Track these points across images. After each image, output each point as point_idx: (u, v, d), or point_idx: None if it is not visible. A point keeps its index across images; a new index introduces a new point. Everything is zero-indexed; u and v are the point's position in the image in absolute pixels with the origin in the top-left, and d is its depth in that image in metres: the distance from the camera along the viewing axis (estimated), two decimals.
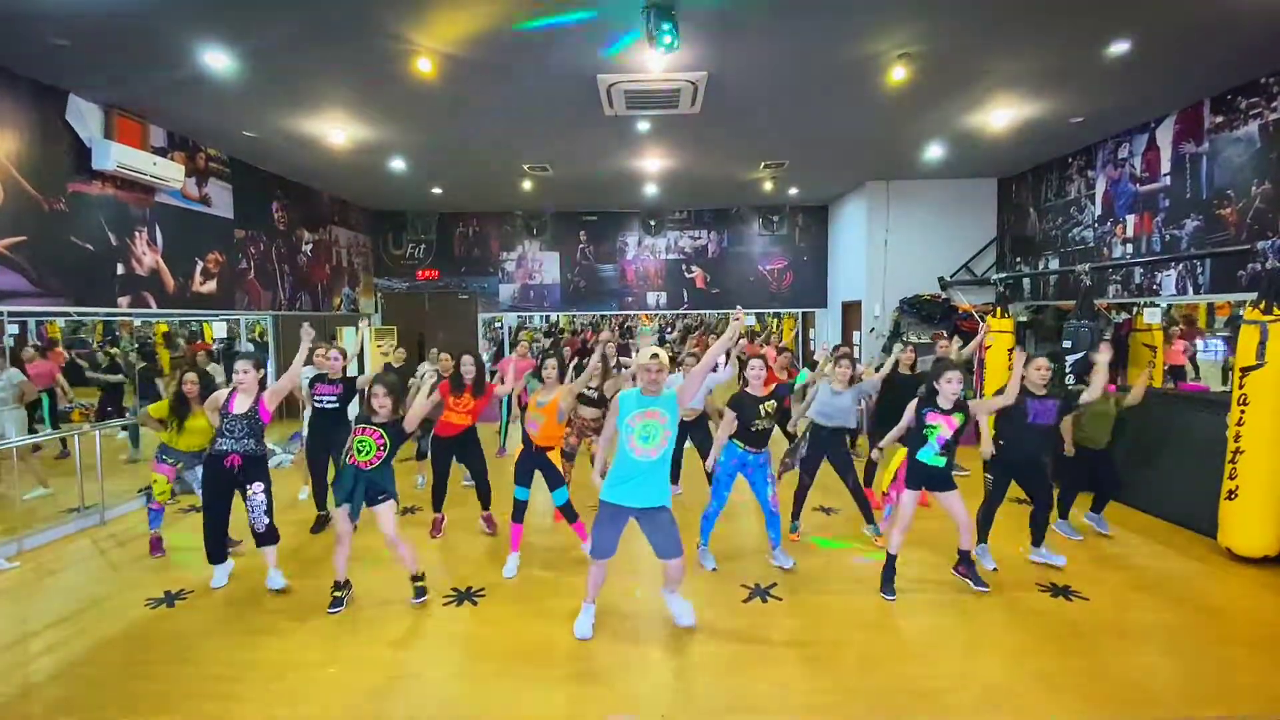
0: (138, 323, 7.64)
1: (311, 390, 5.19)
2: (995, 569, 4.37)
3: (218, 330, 8.16)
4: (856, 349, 10.05)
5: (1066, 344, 6.35)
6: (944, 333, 8.91)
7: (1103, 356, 4.23)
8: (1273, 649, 3.41)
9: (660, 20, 3.97)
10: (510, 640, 3.56)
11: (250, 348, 8.66)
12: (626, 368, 5.41)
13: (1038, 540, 4.49)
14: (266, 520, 4.05)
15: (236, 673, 3.24)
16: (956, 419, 3.86)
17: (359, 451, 3.72)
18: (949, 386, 3.84)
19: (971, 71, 5.35)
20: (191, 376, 4.65)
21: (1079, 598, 3.97)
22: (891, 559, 4.04)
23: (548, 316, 14.55)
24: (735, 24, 4.44)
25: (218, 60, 4.83)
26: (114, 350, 7.37)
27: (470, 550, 4.86)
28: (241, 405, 3.99)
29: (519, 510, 4.40)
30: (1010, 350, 7.23)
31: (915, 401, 4.03)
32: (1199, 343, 6.75)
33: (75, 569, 4.66)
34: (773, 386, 4.36)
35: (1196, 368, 6.76)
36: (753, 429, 4.29)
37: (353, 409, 5.69)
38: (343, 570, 3.90)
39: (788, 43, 4.76)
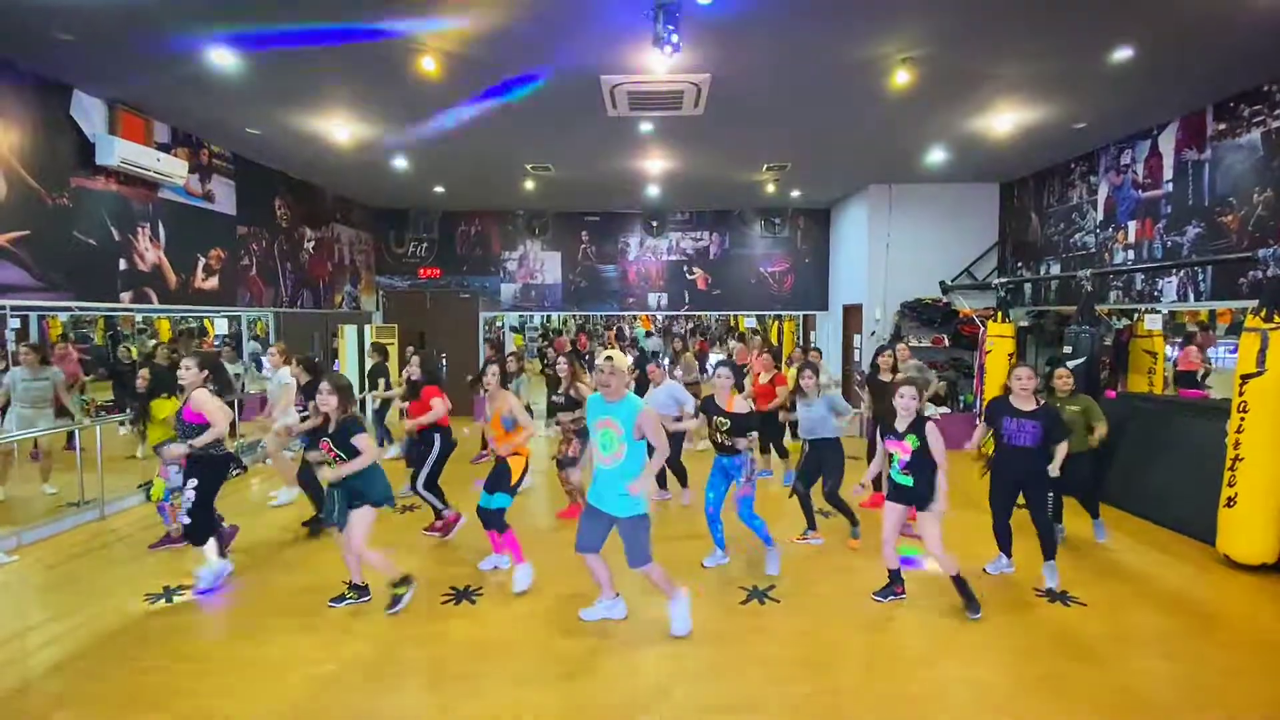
0: (138, 318, 7.67)
1: (308, 397, 5.25)
2: (1056, 586, 4.14)
3: (219, 326, 8.18)
4: (857, 351, 10.06)
5: (1067, 349, 6.34)
6: (943, 338, 8.95)
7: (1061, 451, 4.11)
8: (1271, 656, 3.41)
9: (666, 21, 3.96)
10: (506, 641, 3.56)
11: (255, 346, 8.68)
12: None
13: (1048, 555, 4.20)
14: (186, 520, 4.02)
15: (235, 670, 3.25)
16: (909, 442, 3.70)
17: (331, 465, 3.74)
18: (900, 402, 3.73)
19: (975, 76, 5.35)
20: (144, 372, 4.83)
21: (1077, 603, 3.97)
22: (893, 572, 4.00)
23: (548, 317, 14.56)
24: (739, 26, 4.44)
25: (222, 57, 4.84)
26: (134, 347, 7.43)
27: (468, 549, 4.86)
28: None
29: (487, 522, 4.36)
30: (1010, 355, 7.25)
31: (879, 428, 3.99)
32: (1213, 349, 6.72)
33: (74, 563, 4.67)
34: (732, 408, 4.29)
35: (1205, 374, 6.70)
36: (713, 438, 4.37)
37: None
38: (358, 573, 3.95)
39: (791, 45, 4.76)
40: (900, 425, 3.74)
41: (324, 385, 3.70)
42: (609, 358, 3.43)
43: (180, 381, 4.10)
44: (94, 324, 8.96)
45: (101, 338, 9.42)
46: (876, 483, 4.68)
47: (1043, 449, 4.07)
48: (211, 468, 4.09)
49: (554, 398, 5.14)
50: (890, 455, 3.83)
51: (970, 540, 4.69)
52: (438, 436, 5.03)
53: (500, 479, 4.29)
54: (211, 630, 3.66)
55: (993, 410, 4.27)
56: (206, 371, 4.08)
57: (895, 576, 4.02)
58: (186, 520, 4.02)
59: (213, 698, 3.00)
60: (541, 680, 3.16)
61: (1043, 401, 4.26)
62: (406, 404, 5.28)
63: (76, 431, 5.93)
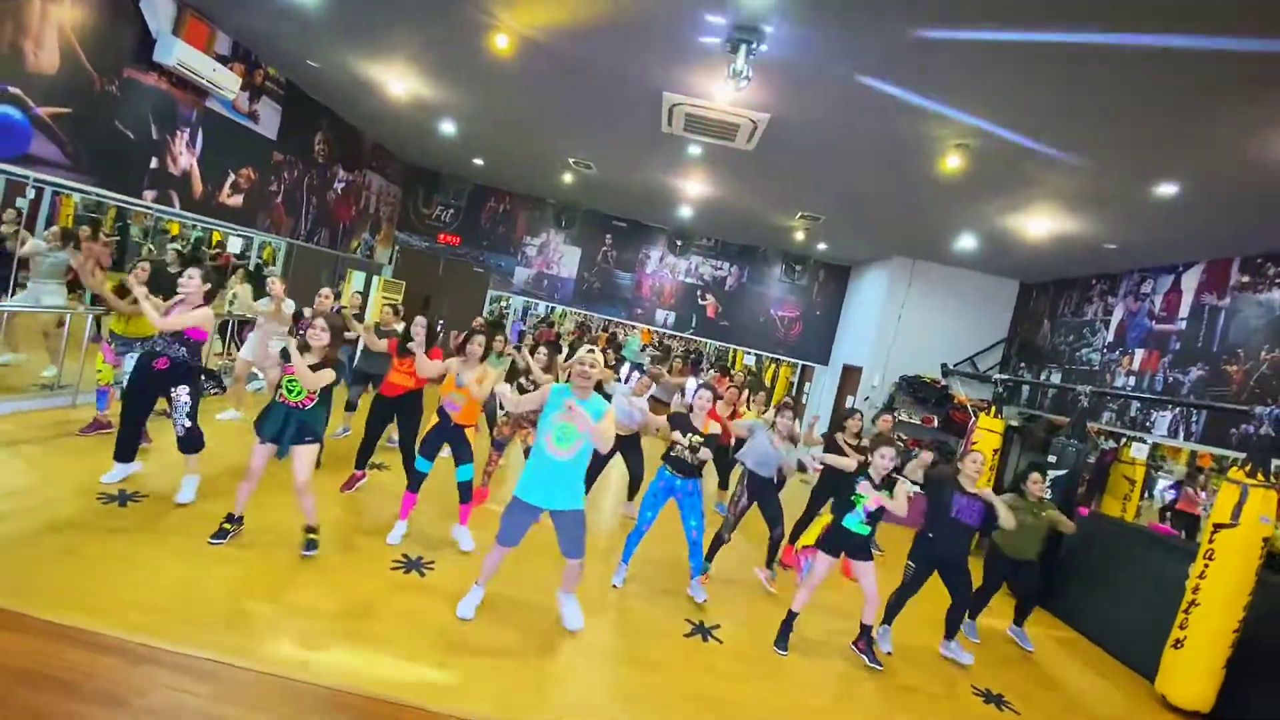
0: (151, 217, 7.63)
1: (297, 327, 5.25)
2: (890, 653, 4.34)
3: (232, 245, 8.15)
4: None
5: (1052, 458, 6.41)
6: (934, 419, 9.01)
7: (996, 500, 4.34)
8: None
9: (745, 55, 4.03)
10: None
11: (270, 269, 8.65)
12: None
13: (950, 634, 4.47)
14: (188, 423, 4.02)
15: (170, 585, 3.21)
16: (884, 496, 3.99)
17: (289, 391, 3.67)
18: (880, 461, 3.99)
19: (1021, 177, 5.45)
20: (144, 264, 4.78)
21: (1010, 709, 4.00)
22: (792, 615, 4.09)
23: (552, 309, 14.58)
24: (809, 75, 4.52)
25: None
26: (151, 246, 7.40)
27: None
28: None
29: (416, 481, 4.34)
30: (995, 451, 7.32)
31: (856, 460, 4.20)
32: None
33: (35, 445, 4.61)
34: (709, 432, 4.32)
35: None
36: (672, 451, 4.34)
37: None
38: (242, 505, 3.83)
39: (855, 105, 4.84)
40: (876, 477, 4.02)
41: (318, 322, 3.69)
42: (591, 350, 3.46)
43: (181, 292, 4.05)
44: (104, 212, 8.92)
45: (111, 228, 9.37)
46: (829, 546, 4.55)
47: (980, 530, 4.41)
48: (196, 377, 4.11)
49: (520, 381, 5.13)
50: (855, 502, 3.99)
51: (924, 616, 4.71)
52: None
53: (465, 451, 4.36)
54: (158, 544, 3.60)
55: (938, 482, 4.44)
56: (209, 286, 4.09)
57: (792, 621, 4.10)
58: (187, 424, 4.03)
59: (142, 613, 2.95)
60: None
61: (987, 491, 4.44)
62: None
63: (68, 316, 5.90)
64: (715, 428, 4.40)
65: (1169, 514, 6.54)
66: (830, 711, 3.57)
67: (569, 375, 3.58)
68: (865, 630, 4.13)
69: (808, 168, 6.54)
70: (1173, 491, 6.66)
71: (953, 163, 5.23)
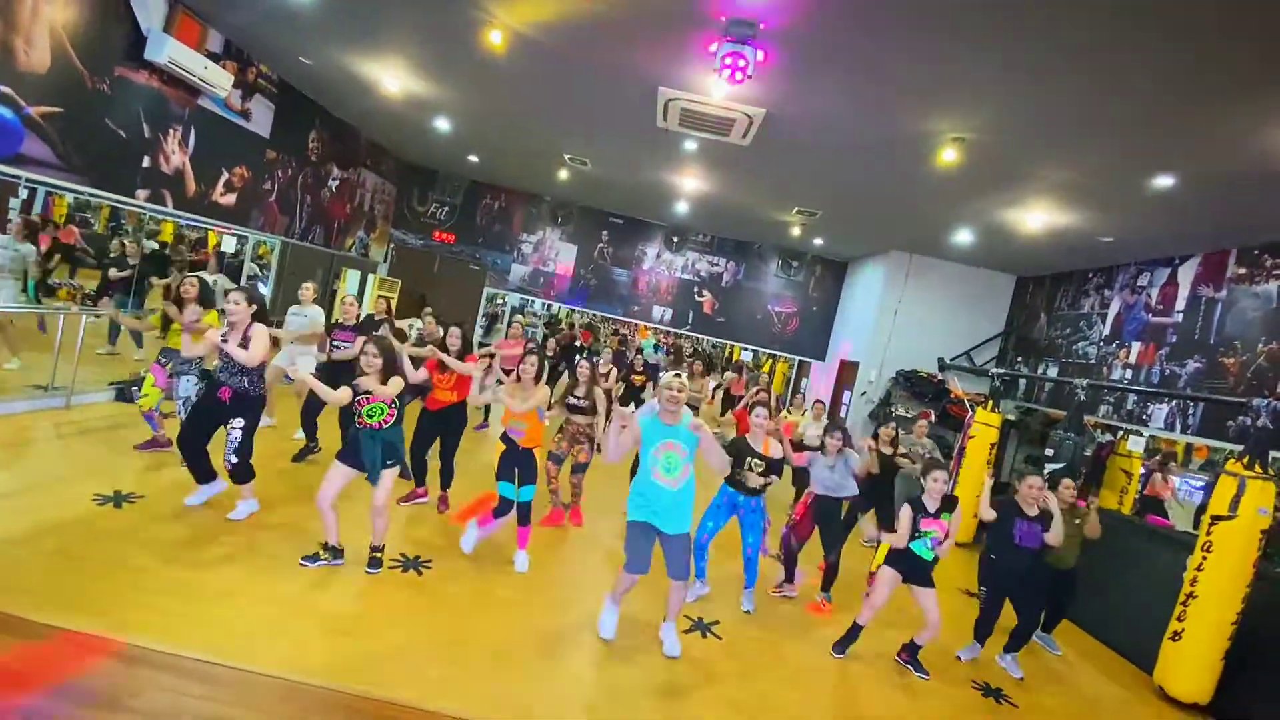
0: (146, 216, 7.58)
1: (330, 336, 5.23)
2: (1021, 678, 4.31)
3: (226, 244, 8.11)
4: (845, 408, 10.12)
5: (1049, 452, 6.41)
6: (931, 413, 9.00)
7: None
8: None
9: (739, 49, 4.01)
10: (448, 620, 3.53)
11: (255, 269, 8.61)
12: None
13: (1012, 649, 4.43)
14: (234, 460, 3.98)
15: (166, 588, 3.19)
16: (945, 520, 3.90)
17: (370, 415, 3.66)
18: (935, 486, 3.89)
19: (1018, 171, 5.44)
20: (192, 279, 4.63)
21: (1008, 702, 3.99)
22: (857, 628, 4.05)
23: (549, 305, 14.55)
24: (805, 70, 4.50)
25: None
26: (128, 242, 7.33)
27: (423, 525, 4.82)
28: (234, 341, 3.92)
29: (505, 507, 4.24)
30: (992, 445, 7.32)
31: (907, 506, 3.98)
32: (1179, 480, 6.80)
33: (29, 447, 4.59)
34: (768, 452, 4.28)
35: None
36: (737, 477, 4.28)
37: None
38: (336, 534, 3.80)
39: (852, 100, 4.83)
40: (931, 506, 3.91)
41: (370, 348, 3.62)
42: (677, 375, 3.43)
43: (231, 319, 3.94)
44: (98, 212, 8.86)
45: (104, 227, 9.32)
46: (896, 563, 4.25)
47: (1042, 550, 4.27)
48: (257, 408, 4.07)
49: (570, 399, 5.05)
50: (923, 534, 3.90)
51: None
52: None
53: (531, 473, 4.27)
54: (154, 545, 3.58)
55: (1004, 509, 4.34)
56: (255, 306, 4.00)
57: (857, 633, 4.07)
58: (234, 460, 3.97)
59: (138, 611, 2.94)
60: (460, 664, 3.13)
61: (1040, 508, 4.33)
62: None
63: (43, 318, 5.86)
64: (776, 448, 4.32)
65: (1141, 499, 6.67)
66: (827, 704, 3.56)
67: (656, 396, 3.53)
68: (913, 646, 4.06)
69: (804, 163, 6.52)
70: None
71: (949, 156, 5.21)
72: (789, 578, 4.91)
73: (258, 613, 3.17)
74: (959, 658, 4.42)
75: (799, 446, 5.32)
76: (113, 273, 6.72)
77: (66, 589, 3.01)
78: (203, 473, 4.10)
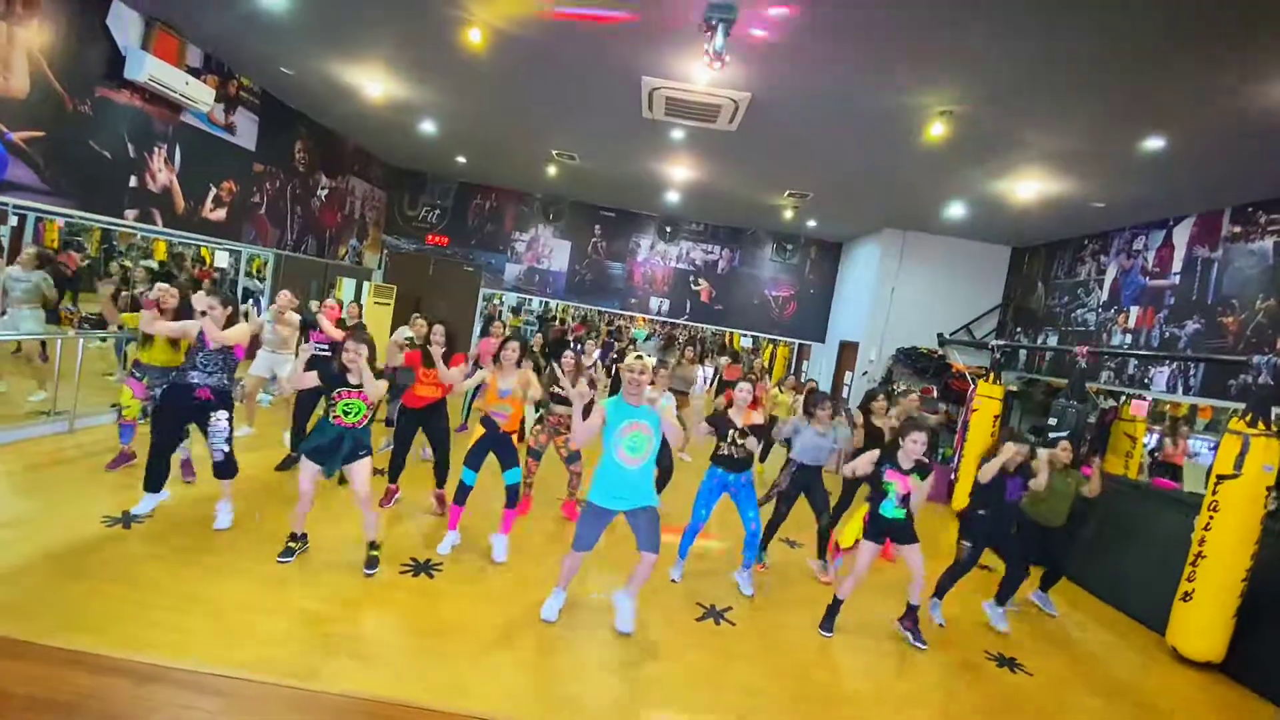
0: (138, 237, 7.58)
1: (306, 337, 5.20)
2: (943, 625, 4.42)
3: (219, 259, 8.10)
4: (846, 389, 10.11)
5: (1052, 421, 6.40)
6: (933, 389, 8.99)
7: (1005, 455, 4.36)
8: None
9: (720, 35, 3.98)
10: (446, 616, 3.54)
11: (255, 284, 8.61)
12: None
13: (1003, 599, 4.56)
14: (226, 449, 4.03)
15: (177, 604, 3.21)
16: (913, 480, 3.93)
17: (347, 414, 3.71)
18: (912, 446, 3.90)
19: (1006, 140, 5.41)
20: (172, 290, 4.56)
21: (1023, 671, 4.01)
22: (838, 603, 4.09)
23: (546, 302, 14.54)
24: (788, 52, 4.47)
25: None
26: (127, 263, 7.34)
27: (417, 524, 4.83)
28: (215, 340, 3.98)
29: (463, 493, 4.32)
30: (995, 417, 7.31)
31: (876, 452, 4.06)
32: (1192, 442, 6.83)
33: (35, 473, 4.60)
34: (750, 422, 4.38)
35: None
36: (720, 451, 4.37)
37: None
38: (301, 524, 3.90)
39: (837, 79, 4.79)
40: (905, 464, 3.93)
41: (353, 345, 3.67)
42: (639, 357, 3.48)
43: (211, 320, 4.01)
44: (89, 234, 8.85)
45: (96, 249, 9.32)
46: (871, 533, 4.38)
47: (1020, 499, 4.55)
48: (231, 402, 4.14)
49: (555, 390, 5.06)
50: (887, 488, 3.94)
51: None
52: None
53: (511, 456, 4.35)
54: (163, 562, 3.60)
55: (998, 474, 4.43)
56: (230, 309, 4.08)
57: (838, 608, 4.11)
58: (225, 450, 4.03)
59: (152, 629, 2.96)
60: (467, 658, 3.15)
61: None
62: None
63: (45, 343, 5.86)
64: (757, 418, 4.42)
65: (1152, 464, 6.68)
66: (838, 681, 3.58)
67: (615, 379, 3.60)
68: (912, 610, 4.12)
69: (792, 145, 6.49)
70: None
71: (937, 130, 5.18)
72: (763, 546, 4.93)
73: (269, 623, 3.18)
74: (926, 611, 4.37)
75: (772, 422, 5.40)
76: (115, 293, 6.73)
77: (77, 612, 3.02)
78: (161, 480, 4.14)
